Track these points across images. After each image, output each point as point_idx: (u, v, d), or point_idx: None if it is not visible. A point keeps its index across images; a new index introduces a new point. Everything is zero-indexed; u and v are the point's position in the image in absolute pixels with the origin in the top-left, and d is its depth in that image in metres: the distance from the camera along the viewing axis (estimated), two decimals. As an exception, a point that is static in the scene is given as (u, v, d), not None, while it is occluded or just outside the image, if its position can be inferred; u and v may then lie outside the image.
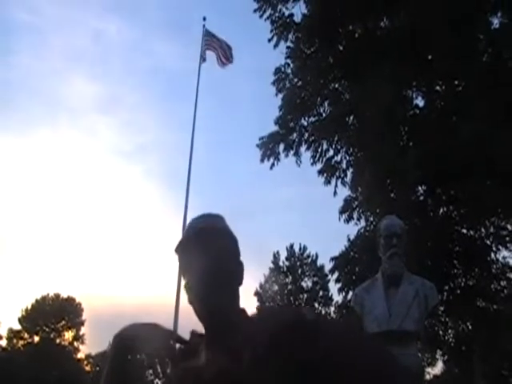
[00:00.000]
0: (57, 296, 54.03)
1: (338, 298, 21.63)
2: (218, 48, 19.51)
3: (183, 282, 1.74)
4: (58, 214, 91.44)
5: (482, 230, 14.48)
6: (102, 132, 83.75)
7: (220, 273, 1.65)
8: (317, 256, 51.31)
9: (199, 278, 1.65)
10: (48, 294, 53.98)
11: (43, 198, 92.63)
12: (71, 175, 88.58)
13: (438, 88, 13.70)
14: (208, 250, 1.67)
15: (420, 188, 13.90)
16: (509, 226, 14.30)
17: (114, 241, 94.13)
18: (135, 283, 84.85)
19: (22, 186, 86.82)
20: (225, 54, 19.56)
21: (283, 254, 52.71)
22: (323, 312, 49.72)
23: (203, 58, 19.34)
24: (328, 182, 14.57)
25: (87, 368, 55.53)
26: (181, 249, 1.74)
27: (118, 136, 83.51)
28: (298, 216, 77.70)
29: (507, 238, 14.52)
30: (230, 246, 1.74)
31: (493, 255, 14.63)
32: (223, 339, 1.58)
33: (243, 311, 1.70)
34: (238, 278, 1.73)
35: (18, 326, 52.88)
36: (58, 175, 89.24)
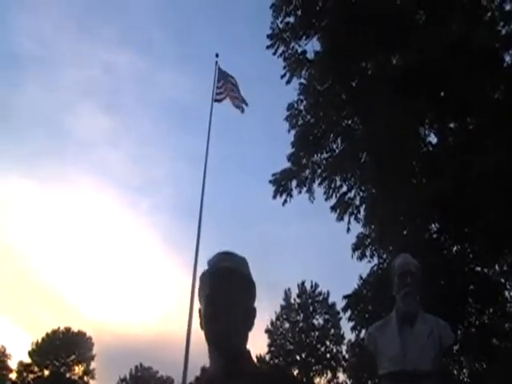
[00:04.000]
0: (67, 330, 53.89)
1: (350, 336, 21.45)
2: (230, 92, 19.72)
3: (197, 308, 1.92)
4: (66, 248, 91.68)
5: (496, 267, 14.36)
6: (111, 165, 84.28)
7: (236, 304, 1.83)
8: (328, 293, 51.05)
9: (217, 303, 1.84)
10: (59, 328, 53.90)
11: (50, 232, 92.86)
12: (80, 209, 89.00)
13: (451, 125, 13.71)
14: (230, 287, 1.85)
15: (433, 225, 13.83)
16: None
17: (125, 275, 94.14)
18: (145, 317, 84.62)
19: (30, 219, 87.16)
20: (238, 98, 19.80)
21: (294, 291, 52.49)
22: (334, 350, 49.25)
23: (217, 100, 19.55)
24: (341, 218, 14.51)
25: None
26: (205, 279, 1.90)
27: (127, 169, 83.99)
28: (309, 253, 77.65)
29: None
30: (249, 289, 1.90)
31: (506, 293, 14.49)
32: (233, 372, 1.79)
33: (248, 352, 1.87)
34: (250, 319, 1.90)
35: (28, 360, 52.67)
36: (68, 208, 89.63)
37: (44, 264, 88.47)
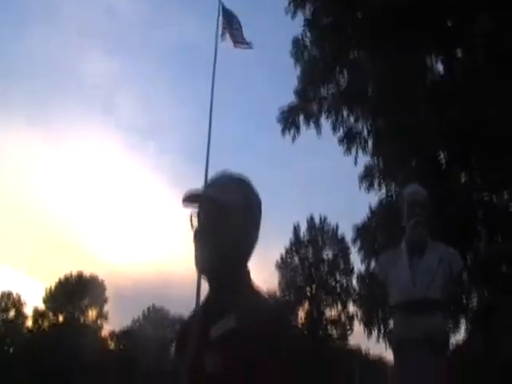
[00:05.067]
0: (80, 275, 54.44)
1: (359, 267, 21.63)
2: (234, 32, 19.46)
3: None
4: (74, 192, 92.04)
5: (505, 195, 14.39)
6: (116, 108, 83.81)
7: (210, 233, 1.81)
8: (337, 227, 51.24)
9: (194, 240, 1.83)
10: (71, 273, 54.45)
11: (58, 176, 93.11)
12: (87, 152, 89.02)
13: (458, 54, 13.51)
14: (203, 216, 1.84)
15: (441, 155, 13.80)
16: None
17: (133, 217, 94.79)
18: (156, 258, 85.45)
19: (38, 164, 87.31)
20: (241, 38, 19.55)
21: (303, 226, 52.81)
22: (345, 282, 49.85)
23: (221, 38, 19.32)
24: (348, 150, 14.45)
25: (111, 346, 56.15)
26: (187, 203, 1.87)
27: (133, 112, 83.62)
28: (317, 189, 77.82)
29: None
30: (224, 213, 1.82)
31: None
32: (215, 303, 1.84)
33: (239, 281, 1.85)
34: (237, 246, 1.84)
35: (43, 307, 53.44)
36: (75, 151, 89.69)
37: (53, 209, 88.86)
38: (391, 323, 5.04)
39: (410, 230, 5.19)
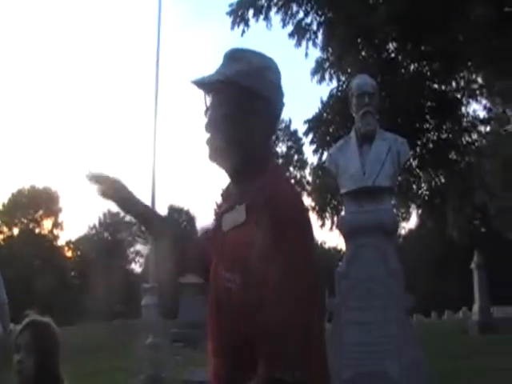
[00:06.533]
0: (32, 187, 53.66)
1: (312, 160, 21.83)
2: None
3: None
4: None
5: (453, 84, 14.55)
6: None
7: (214, 121, 1.66)
8: (290, 121, 51.23)
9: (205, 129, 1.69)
10: (23, 187, 53.66)
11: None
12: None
13: None
14: (210, 104, 1.69)
15: (391, 45, 13.79)
16: (479, 80, 14.37)
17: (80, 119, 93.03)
18: (109, 160, 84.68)
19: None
20: None
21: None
22: (298, 175, 50.45)
23: None
24: (299, 44, 14.29)
25: (68, 254, 56.39)
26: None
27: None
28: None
29: (477, 92, 14.64)
30: (224, 93, 1.66)
31: (463, 109, 14.81)
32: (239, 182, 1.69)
33: (263, 167, 1.67)
34: (246, 124, 1.65)
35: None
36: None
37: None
38: (343, 212, 5.18)
39: (360, 120, 5.27)
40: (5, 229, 52.86)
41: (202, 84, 1.68)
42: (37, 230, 53.89)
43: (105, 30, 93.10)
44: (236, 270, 1.53)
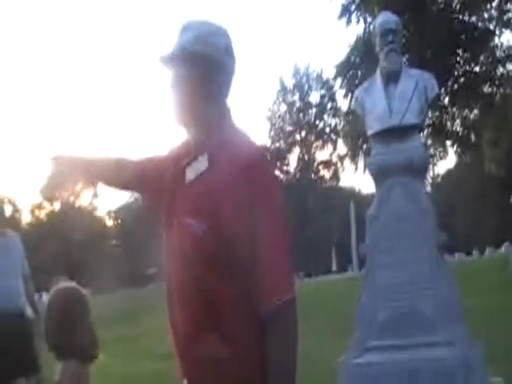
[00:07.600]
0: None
1: (344, 106, 21.64)
2: None
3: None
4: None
5: (485, 15, 14.16)
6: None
7: (176, 85, 1.81)
8: (321, 70, 51.02)
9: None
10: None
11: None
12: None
13: None
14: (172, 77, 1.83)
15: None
16: (512, 8, 13.94)
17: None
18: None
19: None
20: None
21: (288, 75, 52.70)
22: (333, 123, 50.06)
23: None
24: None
25: (110, 223, 57.53)
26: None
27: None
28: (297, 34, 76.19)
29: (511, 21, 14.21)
30: (190, 62, 1.78)
31: (496, 40, 14.41)
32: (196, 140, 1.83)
33: (221, 121, 1.83)
34: (203, 86, 1.79)
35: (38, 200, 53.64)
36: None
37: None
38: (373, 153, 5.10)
39: (384, 59, 5.15)
40: (47, 206, 53.80)
41: (163, 59, 1.80)
42: (77, 203, 54.66)
43: (106, 31, 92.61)
44: (201, 216, 1.68)
